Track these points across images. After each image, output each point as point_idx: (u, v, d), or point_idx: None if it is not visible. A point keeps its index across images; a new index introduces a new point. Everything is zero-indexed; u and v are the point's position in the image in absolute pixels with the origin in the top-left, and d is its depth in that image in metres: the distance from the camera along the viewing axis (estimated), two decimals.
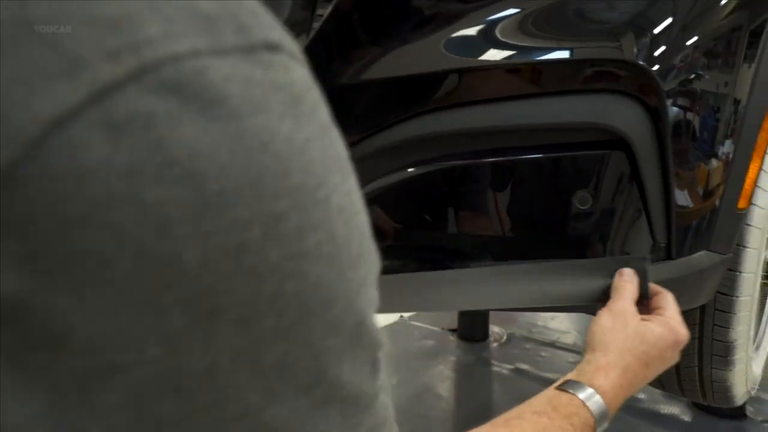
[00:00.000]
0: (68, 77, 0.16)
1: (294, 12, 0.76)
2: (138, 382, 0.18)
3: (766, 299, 1.15)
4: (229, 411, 0.20)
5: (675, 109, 0.66)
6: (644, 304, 0.59)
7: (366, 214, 0.25)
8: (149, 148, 0.17)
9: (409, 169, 0.70)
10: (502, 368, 2.67)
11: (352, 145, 0.72)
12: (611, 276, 0.61)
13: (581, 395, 0.49)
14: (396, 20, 0.69)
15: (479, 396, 2.42)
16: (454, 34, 0.67)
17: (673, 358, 0.56)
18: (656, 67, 0.64)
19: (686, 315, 0.89)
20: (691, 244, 0.71)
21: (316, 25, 0.70)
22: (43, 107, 0.16)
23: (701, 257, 0.72)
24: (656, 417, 1.74)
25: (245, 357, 0.20)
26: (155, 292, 0.18)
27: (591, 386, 0.50)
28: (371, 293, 0.24)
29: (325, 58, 0.70)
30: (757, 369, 1.08)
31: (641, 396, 1.81)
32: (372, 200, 0.73)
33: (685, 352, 0.93)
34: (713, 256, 0.73)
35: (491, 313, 2.55)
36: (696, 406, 1.52)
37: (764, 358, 1.14)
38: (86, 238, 0.17)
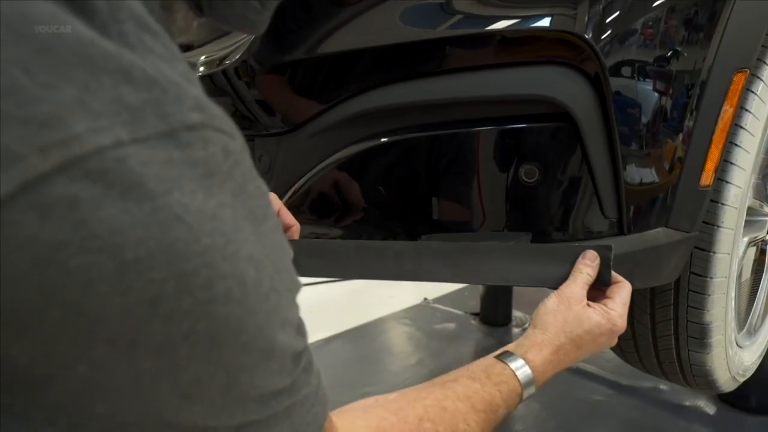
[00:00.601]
0: (4, 169, 0.20)
1: None
2: (71, 387, 0.23)
3: (760, 283, 1.10)
4: (151, 411, 0.25)
5: (620, 81, 0.64)
6: (602, 290, 0.61)
7: (285, 248, 0.30)
8: (73, 226, 0.21)
9: (359, 144, 0.73)
10: None
11: (308, 120, 0.75)
12: (573, 261, 0.61)
13: (513, 365, 0.53)
14: None
15: None
16: (399, 7, 0.68)
17: (607, 344, 0.60)
18: (599, 39, 0.63)
19: (660, 294, 0.87)
20: (646, 220, 0.70)
21: None
22: None
23: (658, 234, 0.71)
24: (679, 409, 1.70)
25: (164, 375, 0.25)
26: (81, 332, 0.22)
27: (524, 359, 0.54)
28: (284, 314, 0.29)
29: (278, 33, 0.73)
30: (750, 356, 1.04)
31: (663, 387, 1.77)
32: (330, 172, 0.76)
33: (662, 333, 0.91)
34: (672, 234, 0.72)
35: (514, 298, 2.54)
36: (721, 400, 1.47)
37: (762, 347, 1.09)
38: (19, 295, 0.21)
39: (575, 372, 2.32)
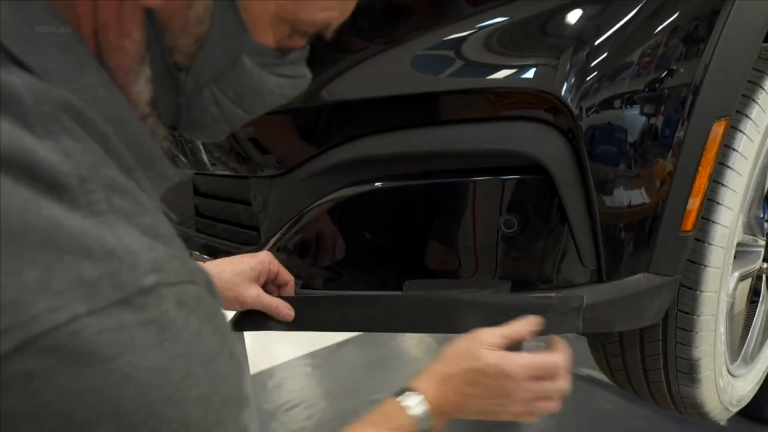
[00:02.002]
0: None
1: None
2: None
3: (754, 316, 1.09)
4: None
5: (597, 134, 0.65)
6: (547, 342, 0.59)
7: (237, 374, 0.33)
8: (28, 396, 0.24)
9: (345, 190, 0.75)
10: None
11: (298, 165, 0.78)
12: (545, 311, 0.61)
13: (406, 402, 0.54)
14: (331, 48, 0.73)
15: None
16: (382, 64, 0.70)
17: (499, 392, 0.56)
18: (571, 94, 0.64)
19: (648, 330, 0.88)
20: (625, 266, 0.71)
21: None
22: None
23: (638, 280, 0.72)
24: (690, 418, 1.69)
25: None
26: None
27: (413, 389, 0.56)
28: None
29: None
30: (746, 385, 1.04)
31: None
32: (319, 216, 0.79)
33: (652, 367, 0.92)
34: (653, 278, 0.72)
35: None
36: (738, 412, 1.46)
37: (761, 373, 1.09)
38: None
39: (584, 379, 2.32)
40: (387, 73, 0.70)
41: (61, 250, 0.25)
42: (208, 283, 0.32)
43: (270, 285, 0.74)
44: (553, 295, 0.67)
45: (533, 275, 0.70)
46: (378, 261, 0.77)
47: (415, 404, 0.54)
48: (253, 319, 0.73)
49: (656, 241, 0.71)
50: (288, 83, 0.42)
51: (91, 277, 0.25)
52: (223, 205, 1.02)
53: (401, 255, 0.75)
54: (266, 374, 2.47)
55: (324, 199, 0.78)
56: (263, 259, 0.73)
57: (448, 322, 0.66)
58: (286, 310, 0.71)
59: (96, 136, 0.29)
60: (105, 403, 0.25)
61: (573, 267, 0.70)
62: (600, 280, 0.70)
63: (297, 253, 0.82)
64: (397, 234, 0.75)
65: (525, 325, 0.59)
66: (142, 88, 0.36)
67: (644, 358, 0.91)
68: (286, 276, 0.74)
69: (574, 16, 0.68)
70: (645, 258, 0.72)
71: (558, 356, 0.58)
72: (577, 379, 2.38)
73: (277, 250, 0.84)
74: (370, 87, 0.71)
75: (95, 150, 0.29)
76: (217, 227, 1.05)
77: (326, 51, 0.73)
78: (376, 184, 0.74)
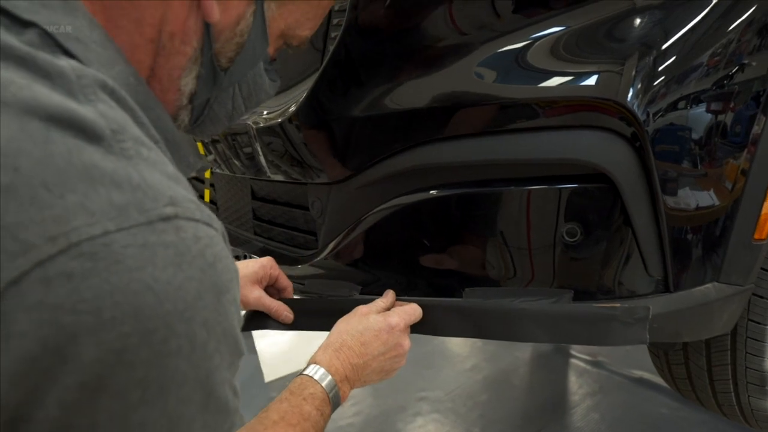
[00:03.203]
0: (22, 255, 0.28)
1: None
2: (43, 427, 0.30)
3: None
4: None
5: (661, 138, 0.63)
6: None
7: (237, 318, 0.37)
8: (67, 292, 0.29)
9: (405, 197, 0.76)
10: (580, 360, 2.60)
11: (356, 173, 0.80)
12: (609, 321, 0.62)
13: (306, 372, 0.62)
14: (392, 59, 0.74)
15: (553, 388, 2.40)
16: (444, 72, 0.71)
17: (391, 341, 0.68)
18: (637, 100, 0.62)
19: (716, 338, 0.85)
20: (694, 276, 0.69)
21: (331, 47, 0.77)
22: (3, 275, 0.28)
23: (707, 290, 0.69)
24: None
25: (117, 416, 0.31)
26: (62, 376, 0.29)
27: (313, 362, 0.63)
28: (224, 374, 0.36)
29: (333, 92, 0.77)
30: None
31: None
32: (376, 223, 0.80)
33: (720, 377, 0.89)
34: (724, 288, 0.70)
35: None
36: None
37: None
38: (21, 345, 0.28)
39: (639, 382, 2.25)
40: (449, 82, 0.70)
41: (96, 182, 0.31)
42: (222, 233, 0.37)
43: (271, 288, 0.82)
44: (617, 305, 0.66)
45: (595, 285, 0.69)
46: (436, 268, 0.77)
47: (319, 375, 0.61)
48: (255, 319, 0.80)
49: (727, 250, 0.69)
50: (272, 85, 0.54)
51: (120, 203, 0.31)
52: (280, 209, 1.05)
53: (459, 264, 0.75)
54: None
55: (383, 206, 0.79)
56: (265, 264, 0.81)
57: (511, 330, 0.66)
58: (286, 313, 0.79)
59: (126, 110, 0.36)
60: (129, 305, 0.30)
61: (637, 276, 0.68)
62: (666, 290, 0.68)
63: (355, 259, 0.84)
64: (454, 241, 0.75)
65: (382, 300, 0.71)
66: (189, 82, 0.45)
67: (711, 368, 0.88)
68: (285, 281, 0.83)
69: (638, 22, 0.66)
70: (715, 267, 0.69)
71: (411, 306, 0.71)
72: (630, 381, 2.31)
73: (335, 256, 0.86)
74: (432, 96, 0.71)
75: (126, 117, 0.35)
76: (273, 231, 1.08)
77: (388, 61, 0.74)
78: (435, 192, 0.75)
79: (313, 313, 0.79)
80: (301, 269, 0.91)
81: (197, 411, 0.34)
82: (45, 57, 0.34)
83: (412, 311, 0.70)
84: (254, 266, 0.80)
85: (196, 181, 1.45)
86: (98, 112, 0.33)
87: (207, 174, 1.22)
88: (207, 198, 1.26)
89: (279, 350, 2.42)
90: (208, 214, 0.36)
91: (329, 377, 0.62)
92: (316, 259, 0.89)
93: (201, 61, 0.44)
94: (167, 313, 0.31)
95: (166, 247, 0.32)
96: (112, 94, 0.35)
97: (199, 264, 0.33)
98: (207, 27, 0.43)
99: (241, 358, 0.39)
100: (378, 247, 0.82)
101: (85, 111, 0.32)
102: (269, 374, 2.42)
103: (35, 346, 0.28)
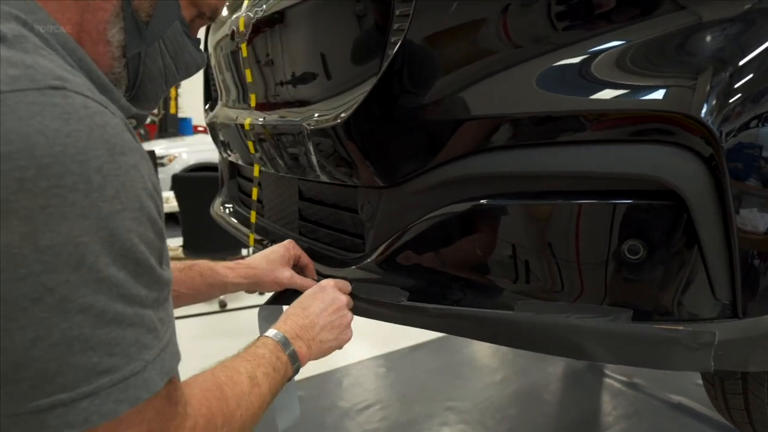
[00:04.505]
0: None
1: (368, 37, 0.84)
2: None
3: None
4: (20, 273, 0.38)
5: (737, 155, 0.61)
6: None
7: (140, 187, 0.43)
8: None
9: (464, 204, 0.75)
10: (615, 380, 2.53)
11: (410, 178, 0.79)
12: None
13: (267, 334, 0.72)
14: (453, 67, 0.73)
15: (585, 406, 2.34)
16: (505, 81, 0.70)
17: (325, 297, 0.82)
18: (711, 116, 0.60)
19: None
20: (765, 303, 0.66)
21: (390, 52, 0.77)
22: None
23: None
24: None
25: (28, 237, 0.37)
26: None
27: (274, 328, 0.74)
28: (130, 224, 0.42)
29: (392, 97, 0.77)
30: None
31: None
32: (424, 230, 0.79)
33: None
34: None
35: None
36: None
37: None
38: None
39: (678, 408, 2.17)
40: (510, 91, 0.69)
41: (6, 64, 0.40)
42: (126, 124, 0.44)
43: (295, 267, 0.95)
44: (680, 328, 0.64)
45: (653, 306, 0.67)
46: (486, 278, 0.76)
47: (273, 333, 0.72)
48: (288, 295, 0.90)
49: None
50: (198, 54, 0.64)
51: (13, 74, 0.39)
52: (328, 210, 1.06)
53: (514, 276, 0.74)
54: (341, 372, 2.53)
55: (434, 213, 0.79)
56: (288, 246, 0.94)
57: (567, 346, 0.64)
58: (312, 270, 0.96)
59: (49, 46, 0.45)
60: (23, 143, 0.37)
61: (702, 299, 0.66)
62: (734, 316, 0.65)
63: (403, 264, 0.83)
64: (511, 253, 0.74)
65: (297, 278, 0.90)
66: (116, 33, 0.54)
67: None
68: (307, 259, 0.96)
69: (712, 36, 0.64)
70: None
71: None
72: (667, 406, 2.23)
73: (383, 261, 0.85)
74: (493, 105, 0.70)
75: (39, 43, 0.44)
76: (319, 232, 1.08)
77: (449, 68, 0.73)
78: (493, 201, 0.74)
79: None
80: (347, 272, 0.91)
81: (101, 247, 0.40)
82: None
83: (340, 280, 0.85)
84: (280, 250, 0.92)
85: (245, 180, 1.47)
86: (11, 30, 0.42)
87: (255, 172, 1.24)
88: (254, 196, 1.28)
89: None
90: (104, 100, 0.43)
91: (277, 332, 0.72)
92: (363, 263, 0.89)
93: (123, 16, 0.54)
94: (58, 153, 0.38)
95: (54, 106, 0.39)
96: (40, 37, 0.44)
97: (86, 123, 0.40)
98: None
99: (157, 226, 0.45)
100: (427, 254, 0.81)
101: (2, 29, 0.42)
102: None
103: None
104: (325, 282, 0.84)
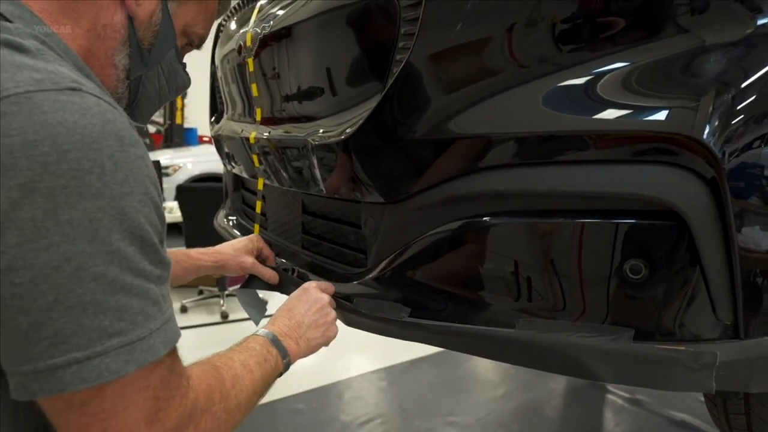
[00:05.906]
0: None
1: (374, 54, 0.85)
2: None
3: None
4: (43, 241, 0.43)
5: (740, 176, 0.61)
6: None
7: (146, 174, 0.49)
8: (3, 124, 0.43)
9: (466, 222, 0.76)
10: (618, 396, 2.50)
11: (412, 195, 0.80)
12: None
13: (257, 333, 0.77)
14: (458, 85, 0.74)
15: (588, 423, 2.31)
16: (510, 101, 0.70)
17: (310, 299, 0.88)
18: (714, 137, 0.60)
19: None
20: (767, 324, 0.66)
21: (395, 69, 0.78)
22: None
23: None
24: None
25: (50, 212, 0.42)
26: (5, 180, 0.42)
27: (265, 329, 0.80)
28: (137, 205, 0.47)
29: (396, 114, 0.78)
30: None
31: None
32: (427, 246, 0.80)
33: None
34: None
35: None
36: None
37: None
38: None
39: (681, 426, 2.15)
40: (514, 110, 0.70)
41: (22, 68, 0.46)
42: (130, 121, 0.49)
43: (258, 258, 1.11)
44: (681, 348, 0.63)
45: (654, 325, 0.67)
46: (488, 296, 0.76)
47: (263, 333, 0.77)
48: (252, 280, 1.10)
49: None
50: (185, 76, 0.75)
51: (37, 78, 0.45)
52: (331, 225, 1.06)
53: (515, 294, 0.74)
54: (343, 385, 2.52)
55: (437, 230, 0.79)
56: (252, 239, 1.13)
57: (568, 365, 0.64)
58: (273, 277, 1.09)
59: (57, 54, 0.52)
60: (47, 133, 0.43)
61: (703, 320, 0.66)
62: (736, 337, 0.65)
63: (405, 280, 0.84)
64: (513, 271, 0.74)
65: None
66: (122, 59, 0.62)
67: None
68: (268, 251, 1.13)
69: (714, 59, 0.65)
70: None
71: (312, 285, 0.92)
72: (670, 424, 2.20)
73: (385, 276, 0.86)
74: (496, 124, 0.71)
75: (54, 55, 0.51)
76: (322, 246, 1.09)
77: (453, 86, 0.74)
78: (495, 219, 0.74)
79: (289, 281, 1.05)
80: (349, 287, 0.92)
81: (113, 223, 0.45)
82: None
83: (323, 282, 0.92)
84: (244, 240, 1.12)
85: (249, 193, 1.48)
86: (33, 44, 0.49)
87: (259, 185, 1.25)
88: (258, 209, 1.29)
89: (308, 363, 2.42)
90: (113, 101, 0.49)
91: (267, 331, 0.77)
92: (365, 278, 0.89)
93: (129, 44, 0.62)
94: (77, 141, 0.44)
95: (72, 103, 0.45)
96: (56, 53, 0.52)
97: (100, 118, 0.46)
98: (131, 19, 0.61)
99: (159, 210, 0.50)
100: (430, 270, 0.81)
101: (26, 44, 0.48)
102: (297, 387, 2.42)
103: None
104: (307, 284, 0.91)
